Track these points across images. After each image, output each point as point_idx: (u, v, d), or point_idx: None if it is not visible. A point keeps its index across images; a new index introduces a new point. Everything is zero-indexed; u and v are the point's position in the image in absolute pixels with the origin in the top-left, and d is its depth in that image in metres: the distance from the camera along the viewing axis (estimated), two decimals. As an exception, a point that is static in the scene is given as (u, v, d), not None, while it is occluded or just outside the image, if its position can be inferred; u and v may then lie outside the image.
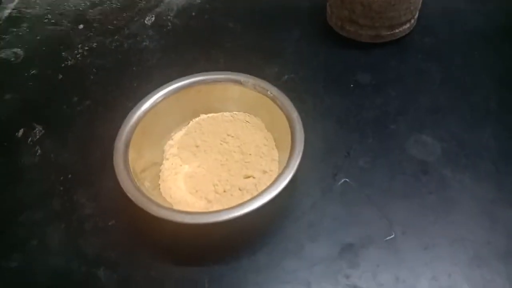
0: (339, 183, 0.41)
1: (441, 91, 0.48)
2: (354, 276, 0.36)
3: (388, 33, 0.52)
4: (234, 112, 0.45)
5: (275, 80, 0.45)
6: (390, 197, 0.40)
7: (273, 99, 0.41)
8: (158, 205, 0.34)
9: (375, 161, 0.43)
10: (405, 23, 0.52)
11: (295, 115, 0.39)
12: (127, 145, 0.39)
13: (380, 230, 0.38)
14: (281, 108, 0.40)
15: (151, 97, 0.41)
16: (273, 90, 0.41)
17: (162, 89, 0.42)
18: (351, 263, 0.36)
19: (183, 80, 0.42)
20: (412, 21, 0.53)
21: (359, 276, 0.36)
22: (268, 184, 0.39)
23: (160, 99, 0.42)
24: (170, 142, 0.44)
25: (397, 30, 0.52)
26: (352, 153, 0.43)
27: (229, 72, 0.43)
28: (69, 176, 0.44)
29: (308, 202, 0.40)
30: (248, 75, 0.43)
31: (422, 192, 0.40)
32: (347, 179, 0.41)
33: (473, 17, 0.57)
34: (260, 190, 0.38)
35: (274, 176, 0.40)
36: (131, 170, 0.37)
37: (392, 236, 0.38)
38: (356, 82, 0.49)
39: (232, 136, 0.43)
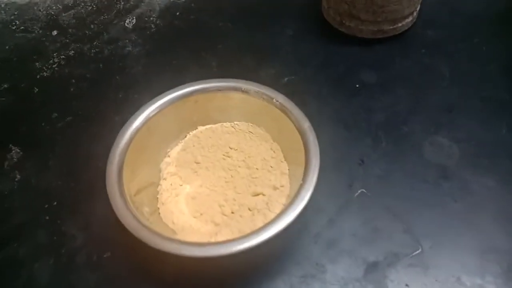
0: (356, 194, 0.38)
1: (451, 88, 0.45)
2: (382, 299, 0.33)
3: (391, 27, 0.49)
4: (235, 122, 0.41)
5: (274, 83, 0.41)
6: (412, 207, 0.37)
7: (281, 108, 0.37)
8: (162, 237, 0.30)
9: (392, 167, 0.39)
10: (407, 16, 0.49)
11: (306, 125, 0.35)
12: (120, 168, 0.34)
13: (405, 245, 0.35)
14: (289, 118, 0.37)
15: (143, 111, 0.37)
16: (279, 98, 0.37)
17: (156, 101, 0.37)
18: (379, 284, 0.33)
19: (179, 90, 0.38)
20: (415, 13, 0.51)
21: (388, 299, 0.33)
22: (280, 201, 0.36)
23: (154, 112, 0.37)
24: (167, 159, 0.39)
25: (400, 24, 0.49)
26: (366, 160, 0.40)
27: (229, 79, 0.39)
28: (55, 203, 0.39)
29: (324, 218, 0.37)
30: (250, 82, 0.39)
31: (445, 200, 0.37)
32: (363, 190, 0.38)
33: (474, 6, 0.54)
34: (272, 209, 0.35)
35: (286, 192, 0.36)
36: (127, 196, 0.33)
37: (419, 251, 0.35)
38: (362, 82, 0.46)
39: (235, 149, 0.39)
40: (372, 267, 0.34)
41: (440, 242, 0.35)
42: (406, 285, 0.33)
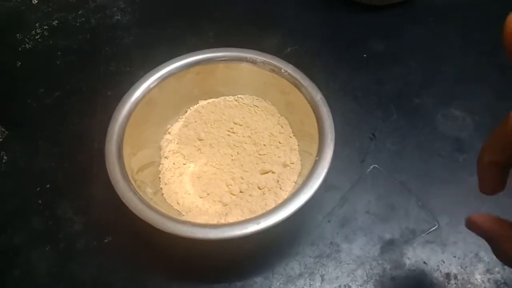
0: (368, 170, 0.36)
1: (464, 57, 0.43)
2: (400, 277, 0.31)
3: (398, -7, 0.46)
4: (238, 96, 0.38)
5: (276, 54, 0.39)
6: (426, 182, 0.36)
7: (290, 79, 0.35)
8: (174, 220, 0.28)
9: (404, 141, 0.38)
10: (415, -19, 0.47)
11: (319, 97, 0.33)
12: (120, 145, 0.32)
13: (422, 221, 0.34)
14: (300, 89, 0.34)
15: (143, 82, 0.34)
16: (288, 68, 0.35)
17: (156, 72, 0.34)
18: (396, 263, 0.32)
19: (178, 61, 0.35)
20: (422, -22, 0.48)
21: (405, 277, 0.31)
22: (291, 179, 0.34)
23: (154, 84, 0.34)
24: (167, 136, 0.37)
25: (407, -10, 0.47)
26: (377, 134, 0.38)
27: (234, 49, 0.36)
28: (48, 186, 0.37)
29: (337, 195, 0.35)
30: (256, 51, 0.36)
31: (461, 175, 0.36)
32: (376, 165, 0.36)
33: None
34: (283, 187, 0.33)
35: (297, 169, 0.34)
36: (129, 175, 0.31)
37: (435, 227, 0.33)
38: (370, 51, 0.44)
39: (240, 125, 0.37)
40: (388, 245, 0.33)
41: (456, 218, 0.34)
42: (424, 262, 0.32)
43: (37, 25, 0.48)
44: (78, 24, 0.49)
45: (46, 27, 0.48)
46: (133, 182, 0.31)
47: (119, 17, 0.49)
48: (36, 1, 0.51)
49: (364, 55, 0.44)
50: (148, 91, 0.34)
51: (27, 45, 0.47)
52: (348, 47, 0.44)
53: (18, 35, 0.47)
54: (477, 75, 0.42)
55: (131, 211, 0.29)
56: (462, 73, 0.42)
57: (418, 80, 0.42)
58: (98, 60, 0.45)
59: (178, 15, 0.49)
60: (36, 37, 0.47)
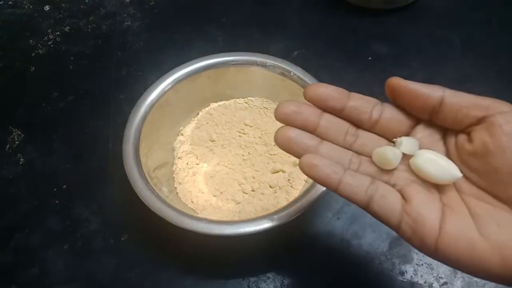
0: (375, 168, 0.37)
1: (464, 59, 0.45)
2: (409, 272, 0.33)
3: (401, -2, 0.48)
4: (249, 98, 0.40)
5: (284, 57, 0.40)
6: (432, 179, 0.37)
7: (299, 82, 0.36)
8: (191, 217, 0.29)
9: (410, 141, 0.39)
10: (417, -14, 0.48)
11: (328, 98, 0.34)
12: (136, 147, 0.33)
13: (428, 217, 0.35)
14: (309, 91, 0.35)
15: (156, 87, 0.35)
16: (298, 71, 0.36)
17: (169, 76, 0.35)
18: (404, 257, 0.33)
19: (191, 65, 0.36)
20: (423, -17, 0.49)
21: (414, 271, 0.33)
22: (302, 177, 0.35)
23: (168, 87, 0.35)
24: (180, 137, 0.38)
25: (409, -6, 0.48)
26: (383, 134, 0.39)
27: (243, 53, 0.37)
28: (64, 186, 0.38)
29: (345, 193, 0.36)
30: (265, 55, 0.37)
31: (465, 172, 0.37)
32: (383, 164, 0.38)
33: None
34: (294, 185, 0.34)
35: (307, 168, 0.35)
36: (146, 175, 0.32)
37: (442, 223, 0.34)
38: (374, 54, 0.45)
39: (251, 126, 0.38)
40: (396, 241, 0.34)
41: (462, 214, 0.35)
42: (431, 257, 0.33)
43: (49, 31, 0.50)
44: (89, 30, 0.50)
45: (58, 33, 0.49)
46: (150, 181, 0.32)
47: (129, 23, 0.50)
48: (48, 8, 0.52)
49: (369, 58, 0.45)
50: (163, 93, 0.35)
51: (40, 50, 0.48)
52: (353, 50, 0.46)
53: (31, 41, 0.49)
54: (478, 77, 0.43)
55: (146, 210, 0.30)
56: (462, 74, 0.43)
57: (420, 81, 0.42)
58: (110, 65, 0.46)
59: (186, 20, 0.50)
60: (49, 43, 0.48)
